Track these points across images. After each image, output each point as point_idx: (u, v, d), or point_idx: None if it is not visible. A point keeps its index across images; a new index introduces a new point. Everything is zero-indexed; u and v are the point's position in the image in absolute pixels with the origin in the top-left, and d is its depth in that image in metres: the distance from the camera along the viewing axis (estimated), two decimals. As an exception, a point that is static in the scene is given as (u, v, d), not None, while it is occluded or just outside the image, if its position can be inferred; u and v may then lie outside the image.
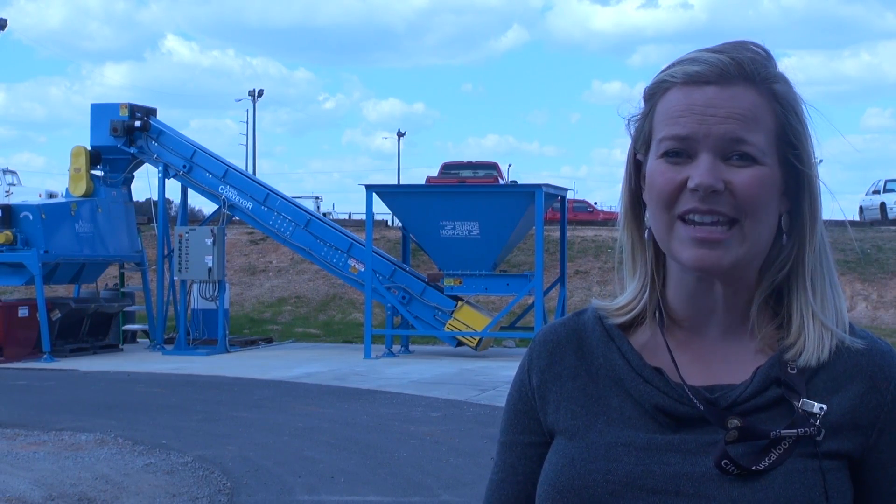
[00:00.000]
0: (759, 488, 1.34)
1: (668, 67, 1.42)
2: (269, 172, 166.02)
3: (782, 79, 1.41)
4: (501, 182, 35.80)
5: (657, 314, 1.48)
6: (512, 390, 1.55)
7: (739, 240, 1.36)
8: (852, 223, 32.10)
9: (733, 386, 1.40)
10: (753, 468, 1.34)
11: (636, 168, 1.47)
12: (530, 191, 19.71)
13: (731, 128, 1.36)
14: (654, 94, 1.43)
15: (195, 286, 21.11)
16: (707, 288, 1.42)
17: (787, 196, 1.42)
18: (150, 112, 21.79)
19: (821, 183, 1.43)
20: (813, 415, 1.36)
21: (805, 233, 1.42)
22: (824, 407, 1.36)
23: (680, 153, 1.38)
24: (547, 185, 20.07)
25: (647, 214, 1.44)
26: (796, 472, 1.35)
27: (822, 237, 1.44)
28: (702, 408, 1.38)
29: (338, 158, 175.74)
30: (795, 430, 1.35)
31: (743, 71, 1.38)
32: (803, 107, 1.42)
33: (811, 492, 1.34)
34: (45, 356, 19.35)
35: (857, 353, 1.41)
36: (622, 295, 1.51)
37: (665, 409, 1.40)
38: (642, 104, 1.45)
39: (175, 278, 21.10)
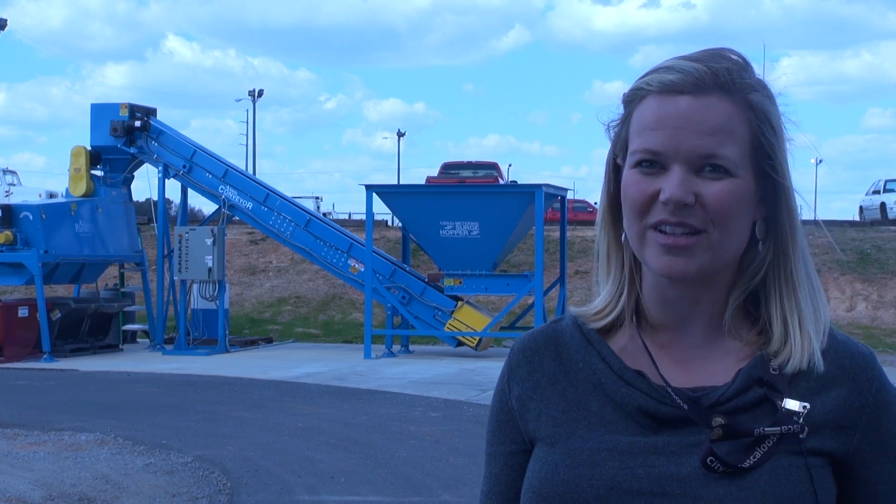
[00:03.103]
0: (745, 486, 1.34)
1: (646, 74, 1.42)
2: (270, 172, 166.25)
3: (759, 87, 1.41)
4: (501, 182, 35.78)
5: (634, 317, 1.48)
6: (493, 400, 1.56)
7: (705, 247, 1.37)
8: (852, 223, 32.10)
9: (715, 387, 1.41)
10: (739, 466, 1.34)
11: (615, 172, 1.48)
12: (530, 191, 19.71)
13: (702, 144, 1.36)
14: (631, 101, 1.43)
15: (195, 286, 21.11)
16: (682, 293, 1.43)
17: (763, 203, 1.42)
18: (150, 112, 21.79)
19: (795, 192, 1.43)
20: (796, 413, 1.37)
21: (786, 240, 1.43)
22: (807, 405, 1.38)
23: (653, 164, 1.38)
24: (547, 185, 20.07)
25: (624, 220, 1.45)
26: (781, 468, 1.36)
27: (803, 243, 1.45)
28: (686, 407, 1.39)
29: (338, 158, 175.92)
30: (779, 428, 1.36)
31: (718, 81, 1.38)
32: (779, 116, 1.42)
33: (797, 487, 1.35)
34: (45, 356, 19.35)
35: (840, 355, 1.43)
36: (598, 299, 1.51)
37: (648, 410, 1.41)
38: (621, 108, 1.46)
39: (175, 278, 21.10)
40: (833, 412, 1.40)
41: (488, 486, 1.55)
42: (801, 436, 1.37)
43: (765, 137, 1.40)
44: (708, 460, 1.35)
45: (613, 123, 1.47)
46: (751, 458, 1.35)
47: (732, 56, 1.41)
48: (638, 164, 1.39)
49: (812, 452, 1.38)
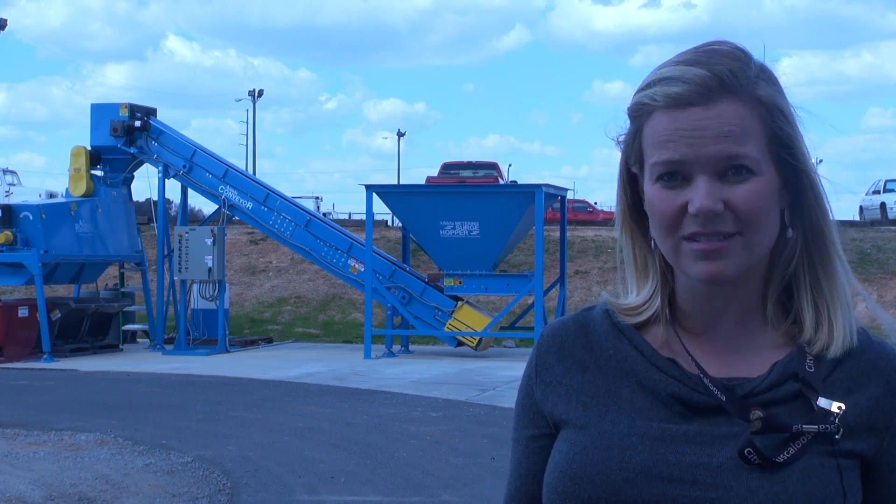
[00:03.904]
0: (777, 480, 1.34)
1: (648, 86, 1.40)
2: (270, 172, 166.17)
3: (764, 77, 1.39)
4: (501, 182, 35.80)
5: (668, 312, 1.48)
6: (520, 386, 1.56)
7: (741, 248, 1.37)
8: (852, 223, 32.11)
9: (749, 378, 1.41)
10: (774, 459, 1.34)
11: (631, 180, 1.47)
12: (530, 191, 19.71)
13: (721, 147, 1.35)
14: (638, 116, 1.42)
15: (195, 286, 21.11)
16: (718, 292, 1.43)
17: (786, 190, 1.41)
18: (150, 112, 21.80)
19: (821, 178, 1.43)
20: (831, 413, 1.37)
21: (820, 225, 1.43)
22: (842, 406, 1.37)
23: (674, 175, 1.37)
24: (547, 185, 20.07)
25: (652, 229, 1.44)
26: (813, 467, 1.36)
27: (834, 224, 1.44)
28: (723, 398, 1.39)
29: (338, 158, 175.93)
30: (816, 426, 1.36)
31: (724, 85, 1.36)
32: (789, 105, 1.41)
33: (827, 487, 1.35)
34: (45, 356, 19.35)
35: (875, 355, 1.43)
36: (632, 296, 1.51)
37: (681, 397, 1.41)
38: (628, 122, 1.45)
39: (175, 278, 21.10)
40: (866, 413, 1.40)
41: (511, 470, 1.56)
42: (836, 436, 1.37)
43: (780, 129, 1.39)
44: (746, 451, 1.35)
45: (621, 137, 1.46)
46: (784, 453, 1.35)
47: (729, 50, 1.39)
48: (659, 178, 1.38)
49: (844, 454, 1.38)
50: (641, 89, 1.41)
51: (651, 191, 1.40)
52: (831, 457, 1.37)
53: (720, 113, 1.36)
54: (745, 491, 1.34)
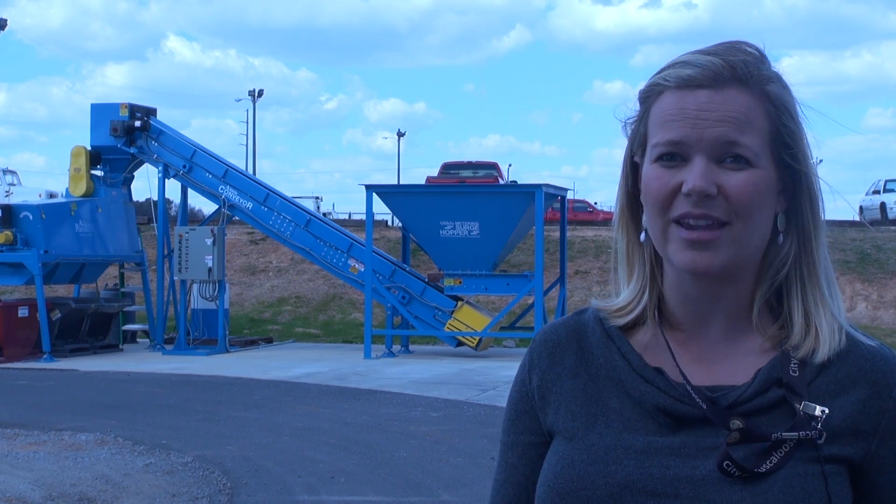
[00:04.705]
0: (759, 492, 1.33)
1: (662, 70, 1.42)
2: (270, 172, 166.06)
3: (776, 78, 1.41)
4: (501, 182, 35.80)
5: (657, 314, 1.47)
6: (513, 390, 1.56)
7: (729, 241, 1.36)
8: (852, 223, 32.10)
9: (735, 386, 1.40)
10: (755, 470, 1.33)
11: (633, 170, 1.47)
12: (530, 191, 19.71)
13: (723, 131, 1.36)
14: (648, 97, 1.43)
15: (195, 286, 21.11)
16: (704, 290, 1.42)
17: (784, 195, 1.42)
18: (150, 112, 21.80)
19: (820, 181, 1.43)
20: (814, 417, 1.35)
21: (810, 230, 1.42)
22: (826, 410, 1.36)
23: (674, 157, 1.38)
24: (547, 185, 20.07)
25: (645, 217, 1.44)
26: (797, 475, 1.34)
27: (825, 232, 1.44)
28: (705, 407, 1.38)
29: (338, 158, 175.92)
30: (797, 433, 1.34)
31: (735, 73, 1.38)
32: (797, 106, 1.42)
33: (811, 495, 1.34)
34: (45, 356, 19.35)
35: (861, 357, 1.41)
36: (620, 296, 1.51)
37: (666, 409, 1.40)
38: (638, 106, 1.46)
39: (175, 278, 21.11)
40: (851, 416, 1.38)
41: (504, 475, 1.54)
42: (818, 441, 1.35)
43: (785, 127, 1.40)
44: (724, 464, 1.34)
45: (630, 121, 1.47)
46: (767, 462, 1.34)
47: (748, 48, 1.41)
48: (659, 157, 1.39)
49: (829, 459, 1.36)
50: (656, 74, 1.43)
51: (649, 171, 1.40)
52: (816, 463, 1.35)
53: (727, 98, 1.37)
54: (726, 503, 1.33)
